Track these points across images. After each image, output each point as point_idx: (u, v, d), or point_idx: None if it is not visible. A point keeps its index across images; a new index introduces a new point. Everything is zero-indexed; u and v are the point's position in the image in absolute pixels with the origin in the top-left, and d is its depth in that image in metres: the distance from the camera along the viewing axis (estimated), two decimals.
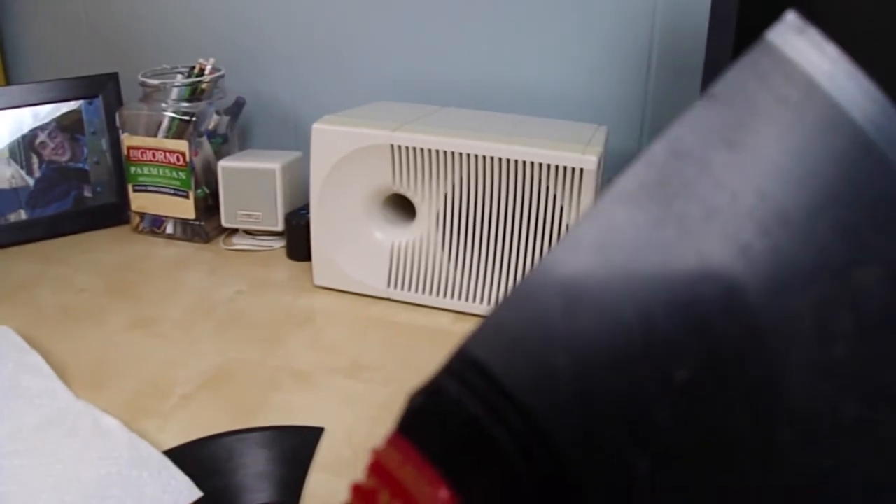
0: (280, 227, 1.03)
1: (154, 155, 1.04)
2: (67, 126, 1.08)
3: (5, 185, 1.04)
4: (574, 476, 0.26)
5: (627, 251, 0.27)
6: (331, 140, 0.85)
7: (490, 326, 0.29)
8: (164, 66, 1.12)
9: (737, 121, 0.26)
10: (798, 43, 0.27)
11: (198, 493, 0.56)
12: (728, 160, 0.26)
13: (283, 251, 1.04)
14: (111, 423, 0.63)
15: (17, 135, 1.04)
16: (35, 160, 1.05)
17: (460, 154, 0.81)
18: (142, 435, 0.62)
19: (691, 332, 0.26)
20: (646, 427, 0.26)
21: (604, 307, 0.27)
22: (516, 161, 0.79)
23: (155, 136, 1.04)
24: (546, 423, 0.27)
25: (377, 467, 0.28)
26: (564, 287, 0.27)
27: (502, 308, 0.29)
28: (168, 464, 0.58)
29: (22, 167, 1.05)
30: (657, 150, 0.27)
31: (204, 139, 1.06)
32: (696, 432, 0.26)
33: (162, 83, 1.05)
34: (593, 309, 0.27)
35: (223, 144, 1.10)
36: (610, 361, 0.26)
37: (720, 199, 0.26)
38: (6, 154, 1.04)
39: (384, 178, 0.85)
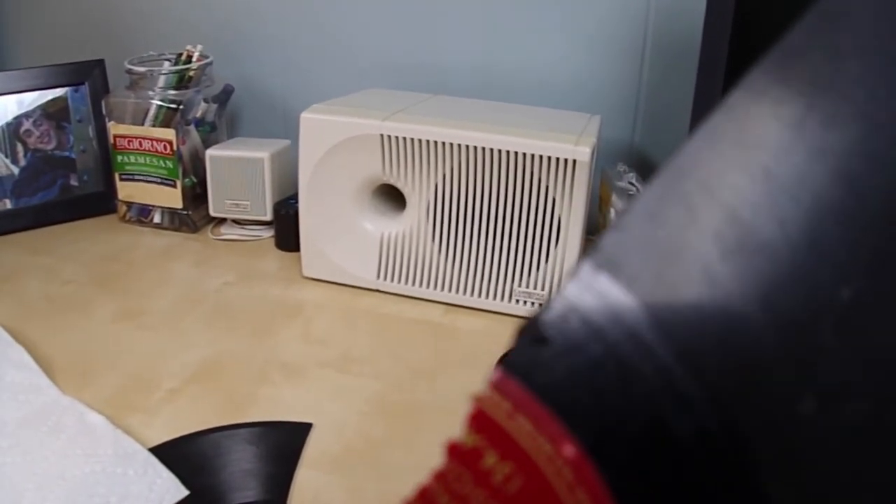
0: (269, 216, 1.02)
1: (141, 143, 1.03)
2: (53, 114, 1.06)
3: None
4: (734, 424, 0.21)
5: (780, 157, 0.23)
6: (320, 129, 0.84)
7: (623, 240, 0.23)
8: (151, 52, 1.10)
9: None
10: None
11: (184, 492, 0.55)
12: None
13: (272, 241, 1.03)
14: (96, 419, 0.62)
15: (2, 122, 1.02)
16: (20, 148, 1.04)
17: (451, 144, 0.80)
18: (127, 431, 0.61)
19: (857, 242, 0.22)
20: (811, 355, 0.21)
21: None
22: (508, 152, 0.78)
23: (142, 124, 1.02)
24: (699, 359, 0.22)
25: (480, 419, 0.22)
26: (722, 205, 0.23)
27: (636, 215, 0.23)
28: (154, 461, 0.57)
29: (6, 156, 1.03)
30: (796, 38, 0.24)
31: (191, 127, 1.05)
32: (863, 358, 0.22)
33: (149, 70, 1.03)
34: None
35: (211, 133, 1.09)
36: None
37: None
38: None
39: (374, 169, 0.84)
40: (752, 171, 0.23)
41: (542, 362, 0.22)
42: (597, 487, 0.21)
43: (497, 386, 0.21)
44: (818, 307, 0.22)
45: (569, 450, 0.21)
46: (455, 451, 0.22)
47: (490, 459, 0.22)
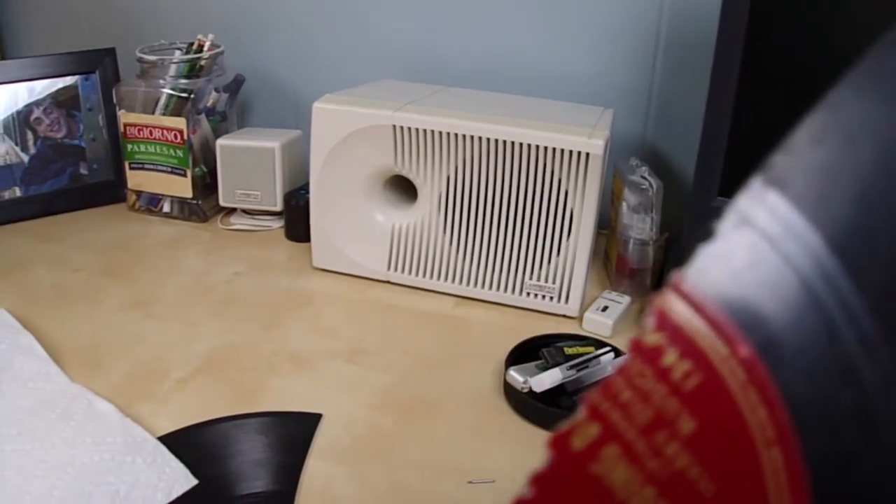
0: (279, 207, 1.02)
1: (151, 132, 1.02)
2: (63, 102, 1.06)
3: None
4: (892, 333, 0.23)
5: None
6: (331, 120, 0.83)
7: (790, 161, 0.25)
8: (163, 41, 1.10)
9: None
10: None
11: (193, 481, 0.55)
12: None
13: (282, 231, 1.02)
14: (105, 407, 0.62)
15: (12, 110, 1.02)
16: (30, 136, 1.04)
17: (464, 136, 0.79)
18: (136, 420, 0.61)
19: None
20: None
21: None
22: (521, 144, 0.78)
23: (152, 113, 1.02)
24: (864, 274, 0.23)
25: (662, 319, 0.23)
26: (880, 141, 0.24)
27: (801, 139, 0.25)
28: (163, 450, 0.57)
29: (17, 143, 1.03)
30: None
31: (202, 117, 1.04)
32: None
33: (160, 59, 1.03)
34: None
35: (222, 122, 1.09)
36: None
37: None
38: (0, 130, 1.02)
39: (386, 160, 0.83)
40: None
41: (717, 268, 0.23)
42: (768, 387, 0.22)
43: (677, 288, 0.23)
44: None
45: (744, 350, 0.22)
46: (638, 349, 0.23)
47: (670, 357, 0.23)
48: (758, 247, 0.23)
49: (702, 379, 0.22)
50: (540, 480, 0.22)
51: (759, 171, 0.24)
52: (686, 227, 0.83)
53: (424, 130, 0.81)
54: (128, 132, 1.04)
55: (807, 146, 0.24)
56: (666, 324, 0.23)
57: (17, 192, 1.04)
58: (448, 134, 0.80)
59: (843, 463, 0.23)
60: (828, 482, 0.22)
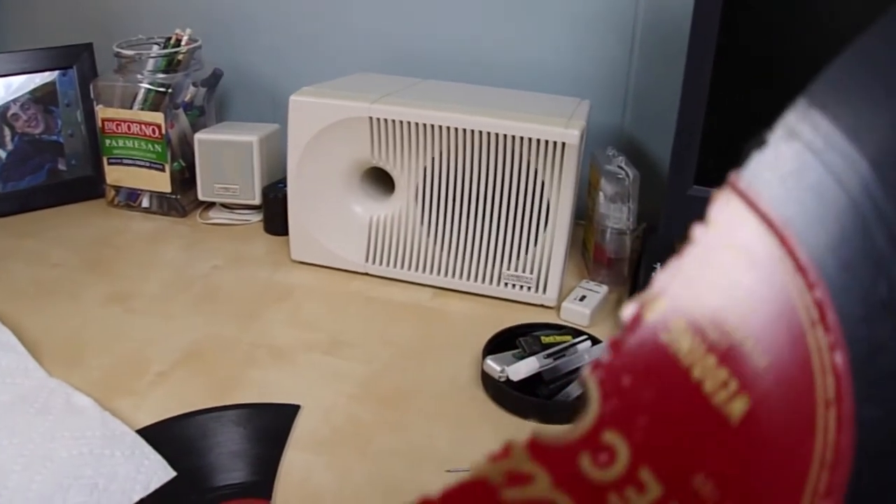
0: (257, 200, 1.02)
1: (129, 127, 1.02)
2: (41, 98, 1.05)
3: None
4: None
5: None
6: (309, 112, 0.84)
7: (829, 87, 0.28)
8: (140, 36, 1.09)
9: None
10: None
11: (172, 473, 0.55)
12: None
13: (261, 225, 1.03)
14: (84, 401, 0.62)
15: None
16: (7, 133, 1.03)
17: (440, 127, 0.80)
18: (116, 413, 0.61)
19: None
20: None
21: None
22: (497, 134, 0.78)
23: (130, 108, 1.02)
24: (893, 188, 0.26)
25: (719, 210, 0.26)
26: None
27: (841, 67, 0.28)
28: (141, 443, 0.57)
29: None
30: None
31: (180, 111, 1.04)
32: None
33: (137, 54, 1.03)
34: None
35: (200, 117, 1.08)
36: None
37: None
38: None
39: (363, 152, 0.84)
40: None
41: (767, 172, 0.26)
42: (811, 273, 0.26)
43: (734, 186, 0.26)
44: None
45: (790, 241, 0.26)
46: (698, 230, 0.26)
47: (728, 241, 0.26)
48: (803, 156, 0.27)
49: (755, 264, 0.26)
50: (617, 345, 0.24)
51: (804, 93, 0.28)
52: (663, 216, 0.84)
53: (401, 122, 0.81)
54: (106, 127, 1.03)
55: (842, 77, 0.27)
56: (722, 215, 0.25)
57: None
58: (424, 125, 0.80)
59: (874, 349, 0.26)
60: (863, 364, 0.25)
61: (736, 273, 0.25)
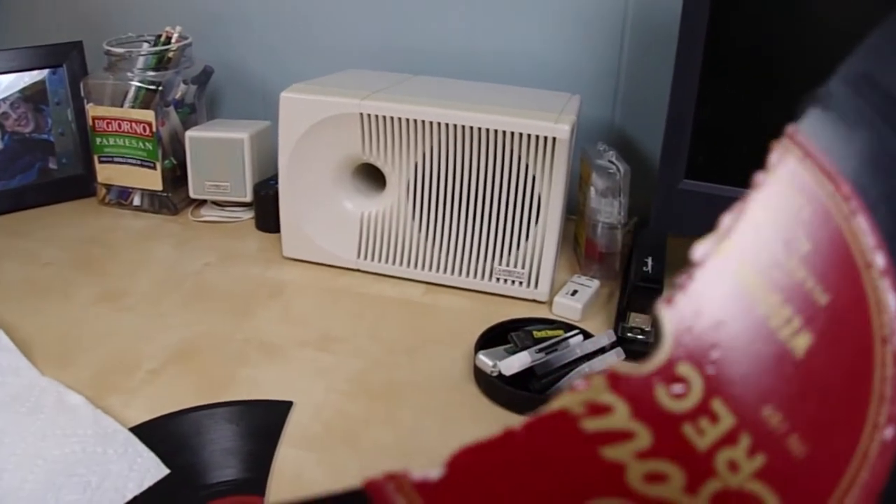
0: (249, 197, 1.02)
1: (120, 125, 1.02)
2: (30, 96, 1.05)
3: None
4: None
5: None
6: (299, 109, 0.84)
7: (871, 52, 0.30)
8: (130, 34, 1.09)
9: None
10: None
11: (165, 471, 0.55)
12: None
13: (252, 222, 1.03)
14: (76, 399, 0.62)
15: None
16: None
17: (431, 123, 0.80)
18: (108, 411, 0.61)
19: None
20: None
21: None
22: (488, 130, 0.78)
23: (121, 106, 1.02)
24: None
25: (778, 162, 0.28)
26: None
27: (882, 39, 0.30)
28: (134, 441, 0.57)
29: None
30: None
31: (171, 109, 1.04)
32: None
33: (128, 52, 1.02)
34: None
35: (191, 114, 1.08)
36: None
37: None
38: None
39: (354, 148, 0.84)
40: None
41: (822, 124, 0.28)
42: (869, 219, 0.28)
43: (791, 136, 0.27)
44: None
45: (845, 189, 0.28)
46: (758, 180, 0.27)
47: (789, 189, 0.28)
48: (858, 109, 0.29)
49: (812, 210, 0.28)
50: (688, 283, 0.25)
51: (854, 52, 0.30)
52: (653, 210, 0.84)
53: (391, 118, 0.81)
54: (96, 126, 1.03)
55: (886, 44, 0.30)
56: (782, 163, 0.27)
57: None
58: (415, 121, 0.80)
59: None
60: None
61: (796, 216, 0.27)
